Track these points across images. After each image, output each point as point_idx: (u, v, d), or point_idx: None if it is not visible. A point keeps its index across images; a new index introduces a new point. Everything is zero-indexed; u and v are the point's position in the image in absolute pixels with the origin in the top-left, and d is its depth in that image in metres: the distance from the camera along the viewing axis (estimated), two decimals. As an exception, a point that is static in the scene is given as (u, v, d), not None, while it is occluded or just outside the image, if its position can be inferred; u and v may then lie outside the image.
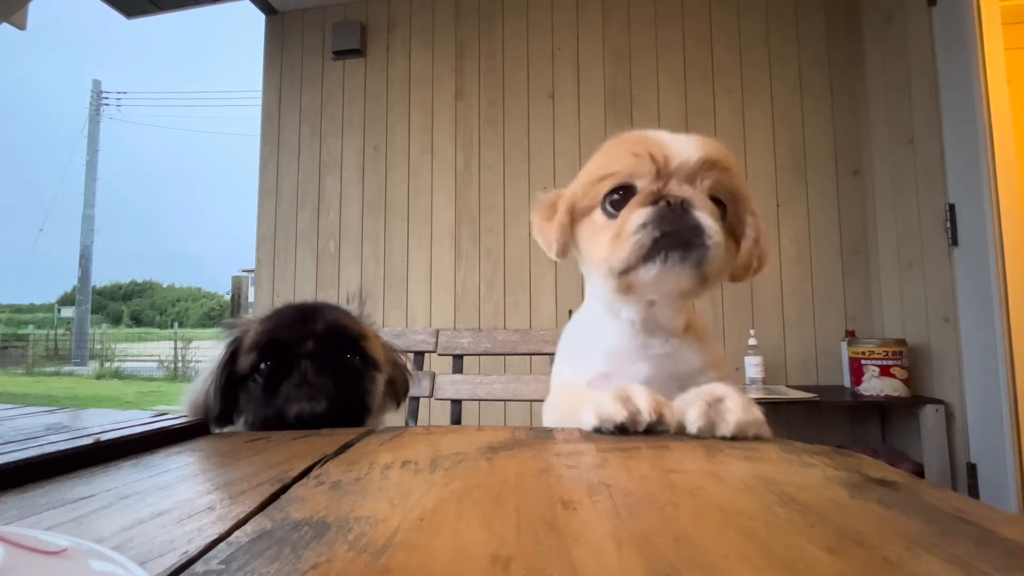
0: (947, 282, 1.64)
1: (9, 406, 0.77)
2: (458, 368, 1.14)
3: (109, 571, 0.16)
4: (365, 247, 2.56)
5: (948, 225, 1.62)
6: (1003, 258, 1.46)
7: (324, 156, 2.65)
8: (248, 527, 0.22)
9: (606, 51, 2.40)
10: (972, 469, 1.57)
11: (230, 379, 0.60)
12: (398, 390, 0.69)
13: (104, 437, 0.41)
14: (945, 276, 1.65)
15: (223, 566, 0.19)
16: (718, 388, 0.45)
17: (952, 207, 1.61)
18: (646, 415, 0.43)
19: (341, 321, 0.62)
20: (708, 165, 0.50)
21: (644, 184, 0.51)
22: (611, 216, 0.52)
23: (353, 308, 0.67)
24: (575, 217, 0.57)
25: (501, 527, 0.22)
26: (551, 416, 0.59)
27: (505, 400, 1.12)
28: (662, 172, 0.50)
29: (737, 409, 0.42)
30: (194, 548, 0.20)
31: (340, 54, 2.64)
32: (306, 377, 0.56)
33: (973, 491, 1.55)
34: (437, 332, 1.16)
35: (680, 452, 0.35)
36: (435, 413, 1.32)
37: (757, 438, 0.41)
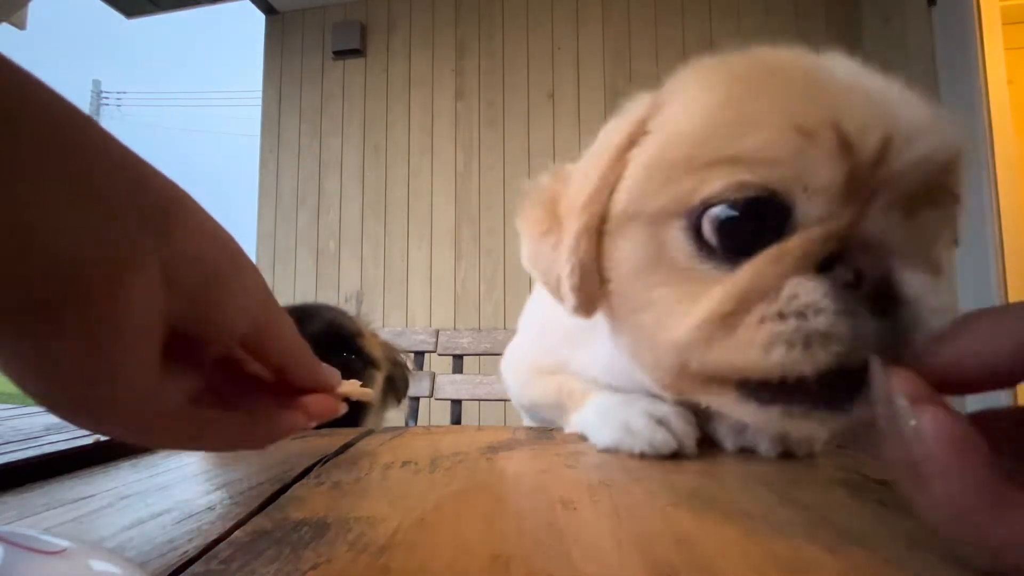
0: (947, 282, 1.64)
1: (9, 406, 0.77)
2: (458, 368, 1.14)
3: (109, 571, 0.16)
4: (365, 247, 2.56)
5: (948, 225, 1.62)
6: (1003, 258, 1.45)
7: (324, 156, 2.65)
8: (248, 527, 0.22)
9: (606, 51, 2.40)
10: (972, 469, 1.56)
11: None
12: (398, 387, 0.69)
13: (104, 437, 0.41)
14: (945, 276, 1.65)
15: (223, 566, 0.19)
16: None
17: (952, 207, 1.61)
18: (689, 449, 0.32)
19: (336, 320, 0.61)
20: (954, 170, 0.24)
21: (811, 206, 0.22)
22: (709, 256, 0.24)
23: (350, 308, 0.67)
24: (615, 227, 0.28)
25: (501, 527, 0.22)
26: (526, 385, 0.47)
27: (505, 400, 1.12)
28: (860, 181, 0.22)
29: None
30: (194, 548, 0.20)
31: (340, 54, 2.64)
32: None
33: (973, 491, 1.55)
34: (437, 332, 1.16)
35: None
36: (435, 413, 1.32)
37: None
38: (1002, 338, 0.18)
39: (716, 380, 0.24)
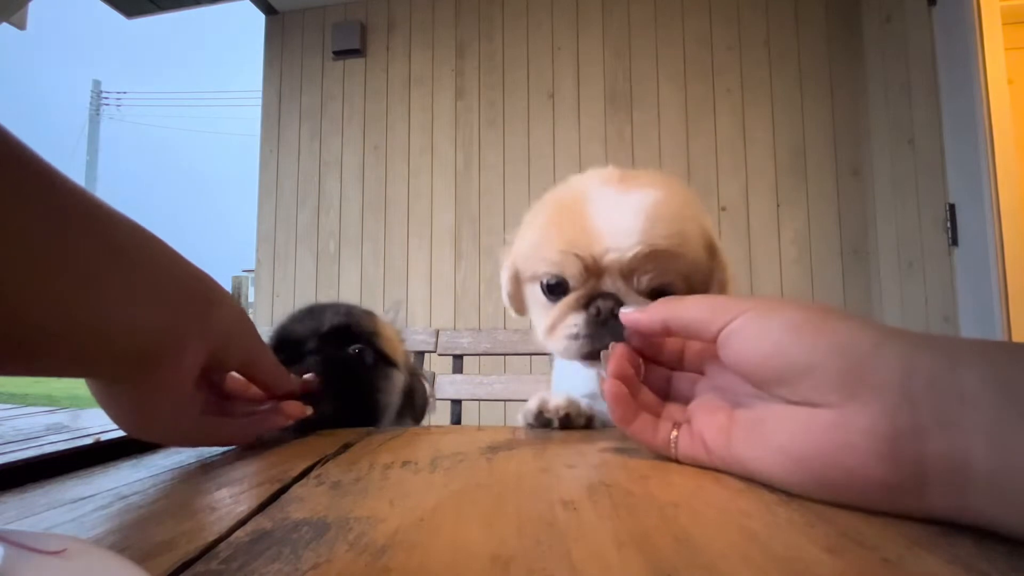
0: (947, 282, 1.64)
1: (9, 406, 0.77)
2: (458, 368, 1.14)
3: (109, 571, 0.16)
4: (365, 247, 2.56)
5: (948, 225, 1.62)
6: (1003, 258, 1.46)
7: (324, 156, 2.66)
8: (248, 527, 0.22)
9: (606, 50, 2.41)
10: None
11: None
12: (416, 402, 0.65)
13: (104, 437, 0.41)
14: (945, 276, 1.65)
15: (223, 566, 0.19)
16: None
17: (952, 207, 1.61)
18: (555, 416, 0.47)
19: (352, 315, 0.58)
20: (648, 259, 0.43)
21: (575, 284, 0.45)
22: (549, 299, 0.48)
23: (390, 315, 0.65)
24: (520, 282, 0.53)
25: (501, 527, 0.22)
26: None
27: (505, 400, 1.12)
28: (591, 270, 0.44)
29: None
30: (194, 548, 0.20)
31: (340, 54, 2.64)
32: (319, 368, 0.50)
33: (973, 491, 1.55)
34: (437, 332, 1.16)
35: (680, 452, 0.35)
36: (435, 413, 1.33)
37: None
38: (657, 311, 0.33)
39: (562, 356, 0.48)
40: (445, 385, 1.11)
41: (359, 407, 0.54)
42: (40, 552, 0.15)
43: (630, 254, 0.43)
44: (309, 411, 0.43)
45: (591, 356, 0.44)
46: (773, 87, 2.25)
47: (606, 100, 2.38)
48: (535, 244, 0.49)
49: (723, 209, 2.23)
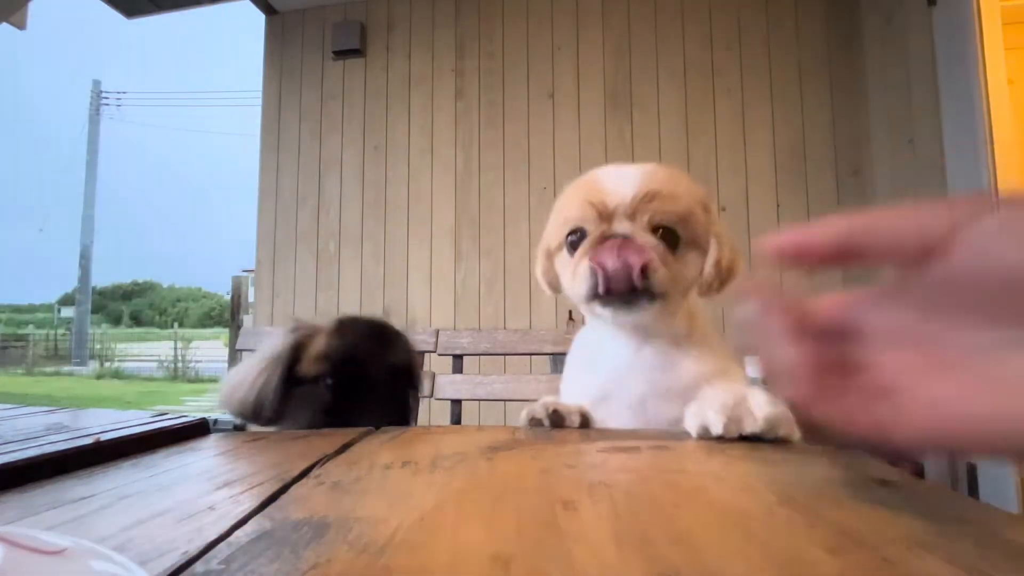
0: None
1: (9, 406, 0.77)
2: (458, 368, 1.14)
3: (109, 571, 0.16)
4: (365, 247, 2.56)
5: (948, 225, 1.62)
6: (1003, 258, 1.45)
7: (324, 156, 2.65)
8: (248, 527, 0.22)
9: (606, 51, 2.40)
10: (972, 469, 1.56)
11: (286, 381, 0.62)
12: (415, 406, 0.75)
13: (104, 437, 0.41)
14: (945, 276, 1.65)
15: (223, 566, 0.19)
16: (736, 387, 0.44)
17: (952, 207, 1.61)
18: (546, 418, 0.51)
19: (411, 357, 0.68)
20: (647, 199, 0.52)
21: (591, 228, 0.53)
22: (571, 255, 0.56)
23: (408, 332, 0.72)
24: (551, 255, 0.61)
25: (501, 527, 0.22)
26: None
27: (505, 400, 1.12)
28: (603, 215, 0.53)
29: (764, 404, 0.40)
30: (194, 548, 0.20)
31: (340, 54, 2.64)
32: (377, 401, 0.62)
33: (973, 491, 1.55)
34: (437, 332, 1.16)
35: (680, 452, 0.35)
36: (435, 413, 1.33)
37: (784, 439, 0.39)
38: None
39: (588, 303, 0.54)
40: (445, 385, 1.11)
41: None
42: (40, 552, 0.15)
43: (631, 194, 0.52)
44: None
45: (605, 295, 0.51)
46: (773, 87, 2.25)
47: (606, 100, 2.38)
48: (557, 213, 0.58)
49: (723, 209, 2.23)
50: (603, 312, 0.53)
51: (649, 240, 0.51)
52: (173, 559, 0.19)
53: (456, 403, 1.12)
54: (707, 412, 0.42)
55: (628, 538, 0.20)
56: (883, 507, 0.24)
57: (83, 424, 0.59)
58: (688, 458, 0.34)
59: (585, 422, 0.52)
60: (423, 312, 2.45)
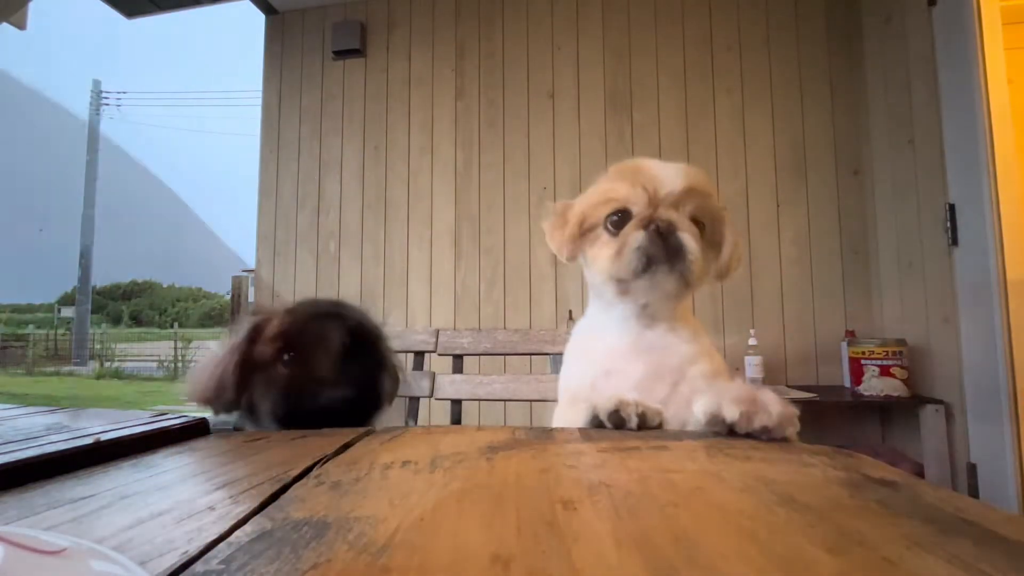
0: (947, 282, 1.64)
1: (9, 406, 0.77)
2: (458, 368, 1.14)
3: (109, 571, 0.16)
4: (365, 247, 2.56)
5: (948, 225, 1.62)
6: (1003, 258, 1.45)
7: (324, 156, 2.65)
8: (248, 527, 0.22)
9: (606, 51, 2.40)
10: (972, 469, 1.56)
11: (244, 365, 0.61)
12: (395, 386, 0.71)
13: (104, 437, 0.41)
14: (945, 276, 1.65)
15: (223, 566, 0.19)
16: (748, 385, 0.47)
17: (952, 207, 1.61)
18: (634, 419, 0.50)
19: (367, 321, 0.65)
20: (690, 193, 0.60)
21: (639, 210, 0.60)
22: (612, 234, 0.62)
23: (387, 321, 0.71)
24: (583, 230, 0.65)
25: (501, 527, 0.22)
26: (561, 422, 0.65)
27: (505, 400, 1.12)
28: (652, 200, 0.60)
29: (777, 402, 0.43)
30: (194, 548, 0.20)
31: (340, 54, 2.64)
32: (339, 380, 0.59)
33: (973, 491, 1.55)
34: (437, 332, 1.16)
35: (680, 452, 0.35)
36: (435, 413, 1.33)
37: (785, 439, 0.41)
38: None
39: (626, 280, 0.60)
40: (445, 385, 1.11)
41: (366, 405, 0.62)
42: (40, 552, 0.15)
43: (679, 188, 0.60)
44: None
45: (651, 262, 0.58)
46: (773, 88, 2.25)
47: (606, 100, 2.38)
48: (604, 192, 0.63)
49: (723, 209, 2.23)
50: (642, 284, 0.60)
51: (691, 227, 0.59)
52: (173, 559, 0.19)
53: (456, 403, 1.12)
54: (722, 401, 0.44)
55: (628, 538, 0.20)
56: (883, 507, 0.24)
57: (83, 424, 0.59)
58: (688, 458, 0.33)
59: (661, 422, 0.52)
60: (423, 312, 2.45)
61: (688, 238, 0.58)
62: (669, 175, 0.60)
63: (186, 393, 0.63)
